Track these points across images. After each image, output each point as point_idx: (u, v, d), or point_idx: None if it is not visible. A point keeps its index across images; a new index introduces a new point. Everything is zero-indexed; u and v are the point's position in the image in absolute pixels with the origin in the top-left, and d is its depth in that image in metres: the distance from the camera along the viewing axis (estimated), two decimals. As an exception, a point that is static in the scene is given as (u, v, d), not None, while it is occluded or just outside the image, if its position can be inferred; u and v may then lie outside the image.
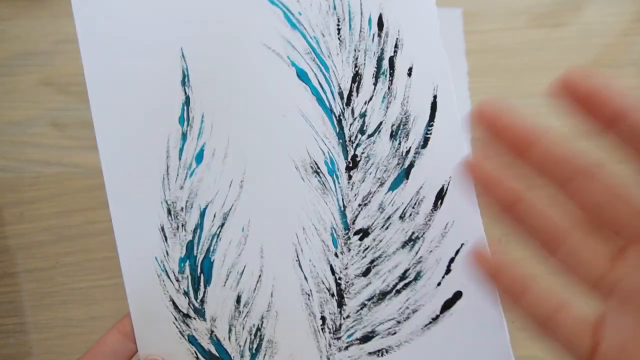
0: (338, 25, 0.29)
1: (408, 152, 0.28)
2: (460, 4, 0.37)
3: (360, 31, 0.29)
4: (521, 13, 0.38)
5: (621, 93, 0.18)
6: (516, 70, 0.36)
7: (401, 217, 0.28)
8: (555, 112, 0.32)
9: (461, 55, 0.36)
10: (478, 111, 0.21)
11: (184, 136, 0.29)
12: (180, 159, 0.29)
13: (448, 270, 0.28)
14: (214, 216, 0.29)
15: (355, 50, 0.29)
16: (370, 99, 0.29)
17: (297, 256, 0.29)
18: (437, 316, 0.28)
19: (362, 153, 0.29)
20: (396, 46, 0.29)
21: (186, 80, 0.29)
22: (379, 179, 0.29)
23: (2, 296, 0.43)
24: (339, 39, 0.29)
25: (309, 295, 0.29)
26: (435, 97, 0.28)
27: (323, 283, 0.29)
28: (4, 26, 0.45)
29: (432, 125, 0.28)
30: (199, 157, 0.29)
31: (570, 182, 0.20)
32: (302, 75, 0.29)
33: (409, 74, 0.29)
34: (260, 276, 0.29)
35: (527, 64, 0.36)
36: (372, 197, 0.29)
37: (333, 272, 0.29)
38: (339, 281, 0.29)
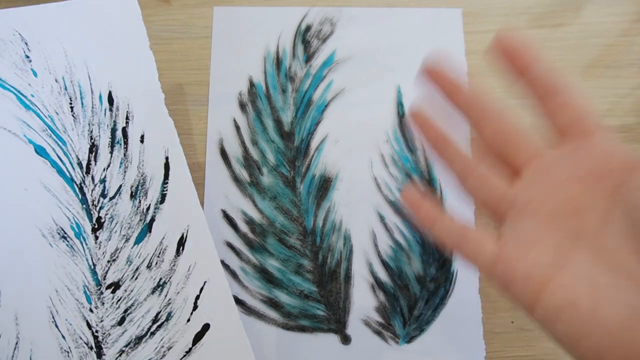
0: (71, 103, 0.33)
1: (148, 208, 0.32)
2: (460, 4, 0.37)
3: (93, 107, 0.33)
4: (521, 13, 0.38)
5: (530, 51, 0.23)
6: (516, 71, 0.38)
7: (148, 267, 0.32)
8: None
9: (461, 55, 0.36)
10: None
11: None
12: None
13: (195, 307, 0.32)
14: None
15: (89, 124, 0.33)
16: (108, 165, 0.32)
17: (53, 317, 0.31)
18: (190, 349, 0.32)
19: (106, 214, 0.32)
20: (127, 118, 0.33)
21: None
22: (124, 235, 0.32)
23: None
24: (72, 115, 0.33)
25: (68, 352, 0.31)
26: (167, 158, 0.33)
27: (81, 338, 0.31)
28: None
29: (167, 183, 0.33)
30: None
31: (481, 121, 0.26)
32: (40, 151, 0.32)
33: (142, 141, 0.33)
34: (17, 343, 0.30)
35: (526, 64, 0.38)
36: (119, 252, 0.32)
37: (89, 326, 0.31)
38: (96, 334, 0.31)
